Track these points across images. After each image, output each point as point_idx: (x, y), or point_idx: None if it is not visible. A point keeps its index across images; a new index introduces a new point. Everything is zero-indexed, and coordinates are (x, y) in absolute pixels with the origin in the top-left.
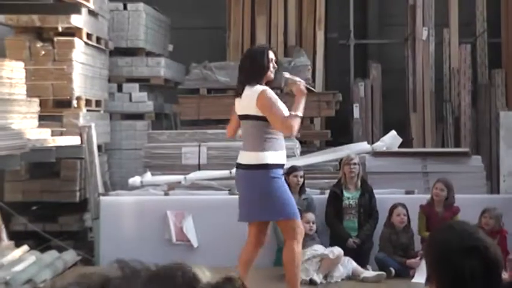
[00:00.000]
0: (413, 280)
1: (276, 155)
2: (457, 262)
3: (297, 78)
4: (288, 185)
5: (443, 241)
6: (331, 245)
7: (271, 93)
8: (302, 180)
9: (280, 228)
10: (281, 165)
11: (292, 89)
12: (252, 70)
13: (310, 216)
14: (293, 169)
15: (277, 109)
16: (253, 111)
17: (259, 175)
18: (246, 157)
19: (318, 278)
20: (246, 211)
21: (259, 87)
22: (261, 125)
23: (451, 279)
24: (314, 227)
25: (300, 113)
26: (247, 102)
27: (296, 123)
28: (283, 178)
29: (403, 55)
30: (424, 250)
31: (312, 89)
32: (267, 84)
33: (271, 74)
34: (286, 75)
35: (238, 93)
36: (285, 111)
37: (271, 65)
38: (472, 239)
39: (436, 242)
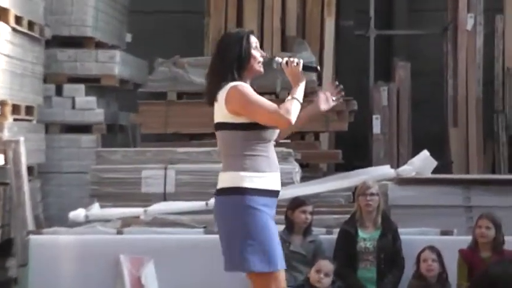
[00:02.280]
0: None
1: (260, 178)
2: None
3: (294, 60)
4: (291, 224)
5: (502, 275)
6: None
7: (245, 86)
8: (311, 217)
9: (251, 282)
10: (266, 192)
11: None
12: (226, 63)
13: (326, 265)
14: (300, 203)
15: (257, 100)
16: (227, 117)
17: (230, 204)
18: (220, 179)
19: None
20: (226, 255)
21: (230, 84)
22: (239, 136)
23: None
24: (329, 280)
25: (298, 97)
26: (218, 106)
27: (293, 108)
28: (270, 213)
29: (440, 51)
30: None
31: (316, 66)
32: (253, 80)
33: (257, 66)
34: (279, 59)
35: (211, 100)
36: (298, 96)
37: (256, 53)
38: None
39: (491, 278)
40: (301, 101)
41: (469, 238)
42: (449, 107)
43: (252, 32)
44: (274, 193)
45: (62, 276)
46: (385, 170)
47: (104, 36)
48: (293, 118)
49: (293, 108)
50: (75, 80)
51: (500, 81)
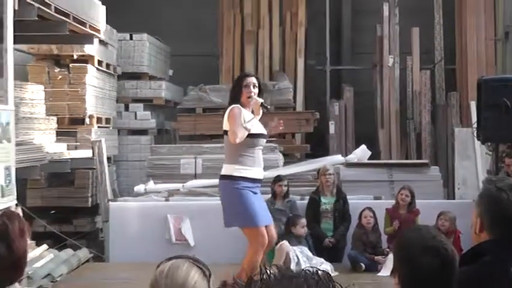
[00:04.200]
0: (380, 274)
1: (245, 170)
2: (417, 258)
3: (259, 100)
4: (274, 193)
5: (408, 241)
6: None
7: (237, 109)
8: (286, 188)
9: (245, 235)
10: (249, 179)
11: (253, 109)
12: (230, 93)
13: (303, 221)
14: (278, 179)
15: (234, 121)
16: (226, 126)
17: (225, 185)
18: (223, 168)
19: None
20: (224, 218)
21: (231, 106)
22: None
23: (410, 273)
24: (305, 229)
25: (248, 125)
26: (224, 119)
27: (239, 132)
28: (252, 190)
29: (372, 79)
30: (393, 248)
31: (267, 106)
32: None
33: (245, 99)
34: (253, 98)
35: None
36: (248, 125)
37: (245, 89)
38: (432, 240)
39: (402, 242)
40: (250, 128)
41: (392, 201)
42: (378, 115)
43: (248, 75)
44: (255, 180)
45: (129, 228)
46: (338, 158)
47: (154, 71)
48: (237, 140)
49: (240, 133)
50: (136, 100)
51: (411, 99)
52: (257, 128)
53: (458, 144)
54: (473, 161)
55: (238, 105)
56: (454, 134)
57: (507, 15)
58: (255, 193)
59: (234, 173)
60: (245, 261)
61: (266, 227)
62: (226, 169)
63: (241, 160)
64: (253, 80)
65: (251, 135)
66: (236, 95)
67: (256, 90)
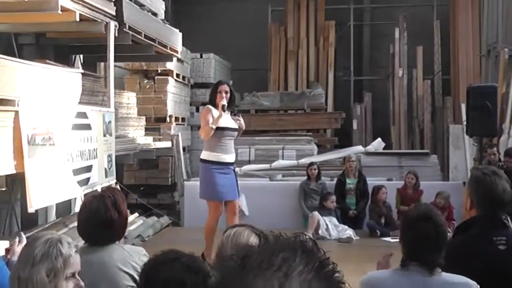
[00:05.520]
0: (391, 239)
1: (215, 155)
2: (415, 225)
3: (222, 102)
4: (308, 175)
5: (410, 214)
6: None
7: (206, 109)
8: (317, 171)
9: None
10: (218, 163)
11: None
12: (209, 95)
13: (333, 197)
14: (310, 164)
15: (203, 121)
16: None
17: (201, 166)
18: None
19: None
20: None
21: (204, 107)
22: (213, 134)
23: (411, 236)
24: (335, 203)
25: (213, 126)
26: None
27: (204, 132)
28: (221, 172)
29: (386, 87)
30: (399, 221)
31: (226, 110)
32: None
33: (218, 101)
34: (222, 102)
35: None
36: (213, 124)
37: (218, 94)
38: (427, 212)
39: (406, 215)
40: (214, 126)
41: (401, 182)
42: (390, 115)
43: (221, 83)
44: (224, 163)
45: (199, 202)
46: (359, 148)
47: None
48: (202, 135)
49: (205, 131)
50: (205, 104)
51: (415, 102)
52: (224, 122)
53: (451, 138)
54: (463, 150)
55: (209, 106)
56: (449, 130)
57: (489, 37)
58: (226, 174)
59: (206, 158)
60: (205, 225)
61: (228, 202)
62: (202, 154)
63: (212, 148)
64: (225, 87)
65: (218, 128)
66: (212, 97)
67: (228, 95)
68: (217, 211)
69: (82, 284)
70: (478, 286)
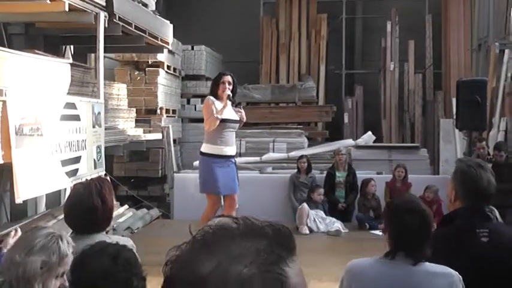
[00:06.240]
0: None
1: (215, 148)
2: (401, 217)
3: (227, 92)
4: (298, 168)
5: (395, 205)
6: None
7: (209, 100)
8: (307, 164)
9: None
10: (218, 156)
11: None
12: (211, 86)
13: (321, 190)
14: (300, 157)
15: (206, 112)
16: (203, 115)
17: (200, 159)
18: (201, 146)
19: (306, 229)
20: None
21: (206, 98)
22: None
23: (396, 228)
24: (322, 196)
25: (219, 115)
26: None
27: (211, 123)
28: (220, 165)
29: (377, 80)
30: (384, 212)
31: (232, 100)
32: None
33: (221, 93)
34: (227, 92)
35: None
36: (218, 114)
37: (221, 85)
38: (412, 203)
39: (391, 206)
40: (220, 117)
41: (390, 176)
42: (381, 109)
43: (225, 74)
44: (224, 156)
45: (189, 193)
46: (349, 141)
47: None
48: (207, 127)
49: (211, 121)
50: (195, 96)
51: (407, 96)
52: (227, 114)
53: (442, 132)
54: (453, 144)
55: (211, 97)
56: (440, 124)
57: (480, 31)
58: (226, 167)
59: (206, 151)
60: (202, 217)
61: (227, 196)
62: (203, 147)
63: (213, 140)
64: (228, 78)
65: (220, 120)
66: (214, 89)
67: (231, 87)
68: (216, 205)
69: (67, 285)
70: (460, 276)
